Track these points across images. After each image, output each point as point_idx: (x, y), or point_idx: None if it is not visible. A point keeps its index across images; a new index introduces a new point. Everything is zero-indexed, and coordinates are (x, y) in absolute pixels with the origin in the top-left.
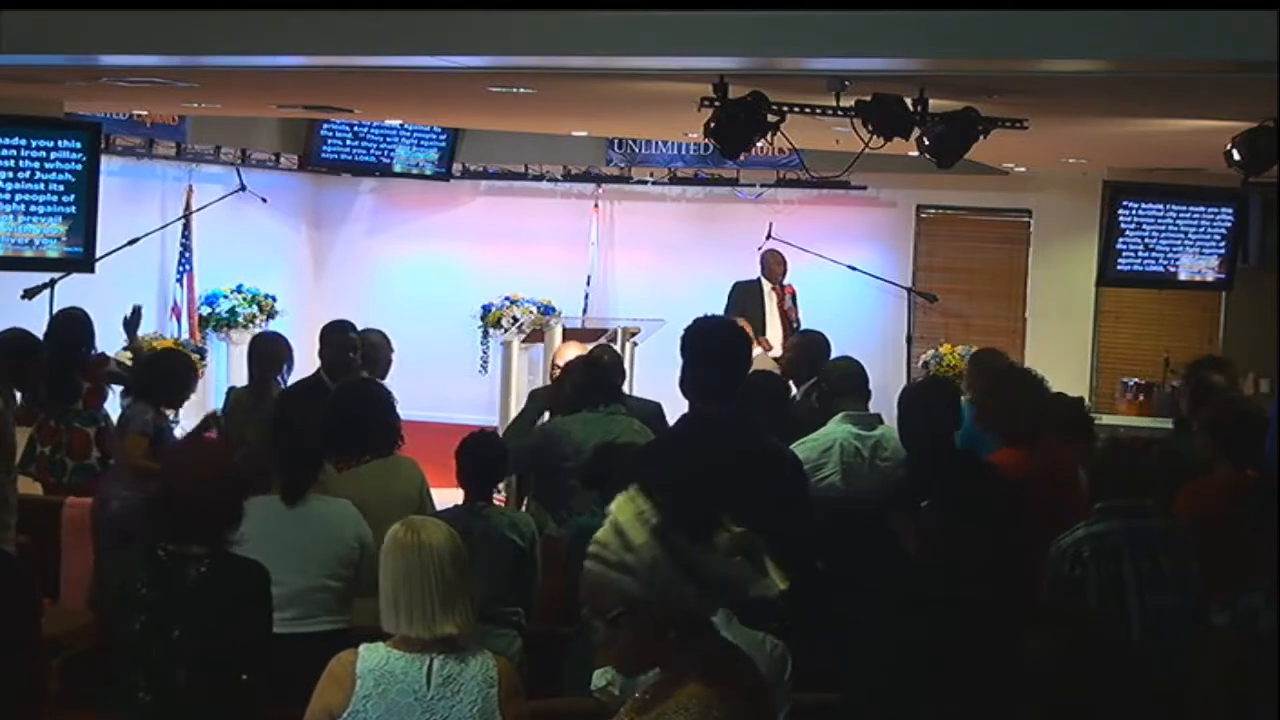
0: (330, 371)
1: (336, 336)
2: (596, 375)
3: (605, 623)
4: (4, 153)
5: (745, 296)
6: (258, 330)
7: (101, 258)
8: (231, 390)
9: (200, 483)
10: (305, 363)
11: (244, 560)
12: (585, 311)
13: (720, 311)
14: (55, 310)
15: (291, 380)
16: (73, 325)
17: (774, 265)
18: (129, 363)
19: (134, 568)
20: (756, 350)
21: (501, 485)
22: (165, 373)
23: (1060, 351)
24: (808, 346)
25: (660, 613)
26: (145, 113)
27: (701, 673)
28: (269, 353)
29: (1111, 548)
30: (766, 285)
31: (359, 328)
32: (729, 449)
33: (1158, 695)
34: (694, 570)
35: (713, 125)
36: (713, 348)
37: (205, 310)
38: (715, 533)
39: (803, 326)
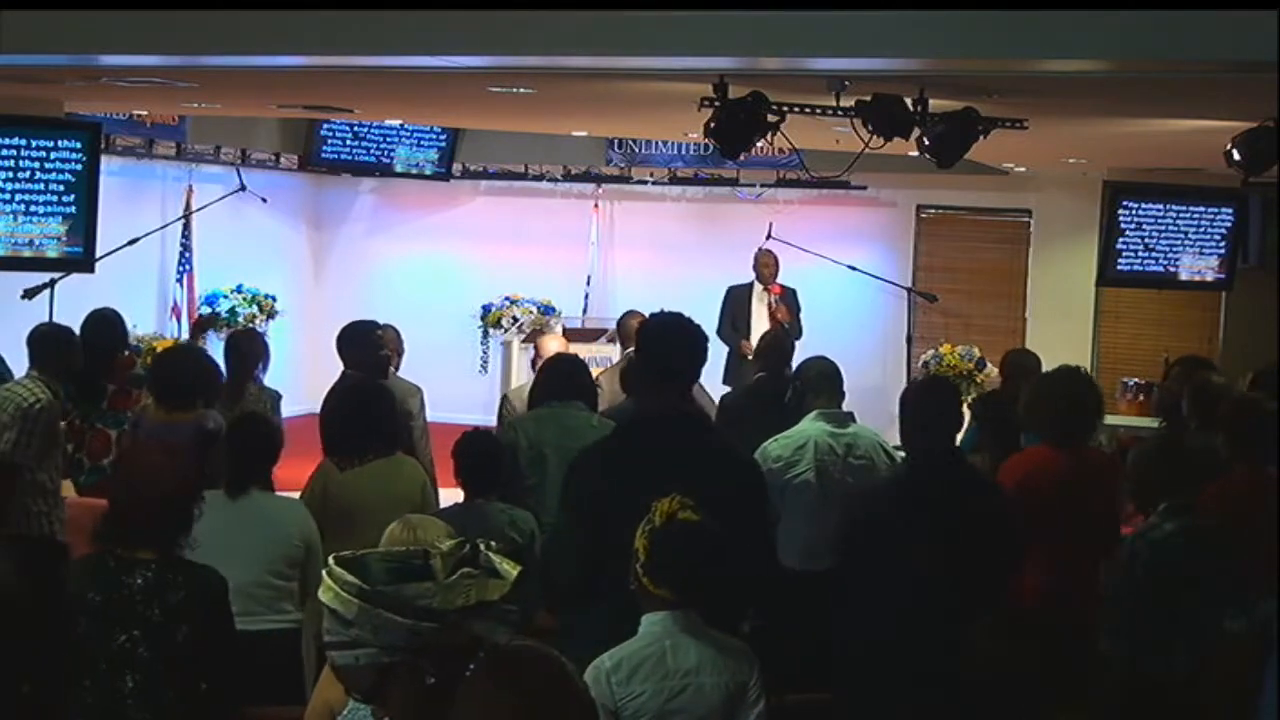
0: (359, 370)
1: (363, 336)
2: (560, 371)
3: (371, 698)
4: (4, 153)
5: (735, 300)
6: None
7: (101, 258)
8: None
9: (147, 488)
10: (306, 362)
11: (194, 565)
12: (585, 311)
13: (716, 314)
14: (69, 311)
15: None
16: (102, 326)
17: (761, 266)
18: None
19: (87, 573)
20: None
21: None
22: (181, 375)
23: (1060, 351)
24: (774, 343)
25: (415, 665)
26: (145, 113)
27: (479, 704)
28: (245, 351)
29: (1194, 544)
30: (758, 287)
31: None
32: (679, 447)
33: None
34: (416, 610)
35: (713, 125)
36: (666, 344)
37: (205, 310)
38: (428, 560)
39: (799, 324)
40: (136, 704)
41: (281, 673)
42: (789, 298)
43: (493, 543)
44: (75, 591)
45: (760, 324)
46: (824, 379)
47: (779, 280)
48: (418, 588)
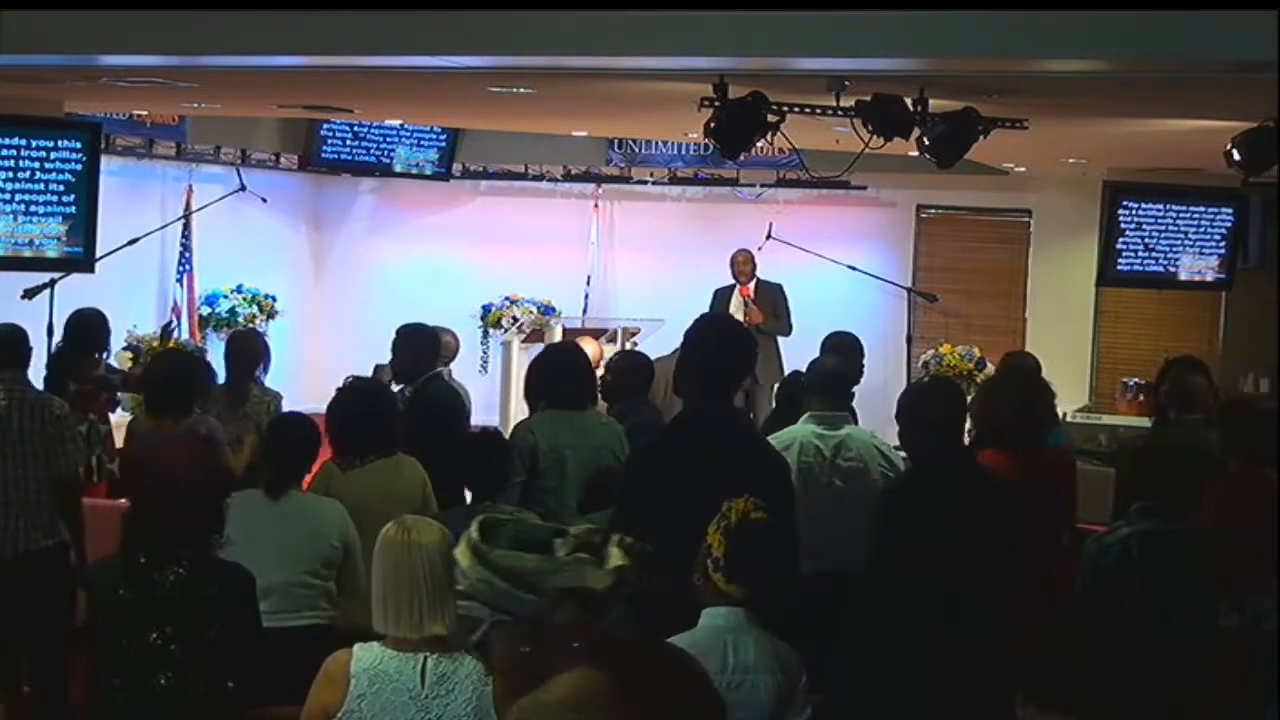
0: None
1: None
2: (564, 367)
3: (478, 650)
4: (4, 153)
5: (717, 303)
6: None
7: (101, 258)
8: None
9: (178, 487)
10: (306, 363)
11: (225, 563)
12: (585, 311)
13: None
14: (69, 311)
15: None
16: (83, 326)
17: (733, 265)
18: (129, 363)
19: (115, 571)
20: None
21: None
22: (170, 382)
23: (1060, 351)
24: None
25: (517, 630)
26: (145, 113)
27: (569, 686)
28: (245, 351)
29: (1158, 548)
30: (738, 287)
31: (360, 326)
32: (724, 446)
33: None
34: (517, 579)
35: (713, 125)
36: (714, 346)
37: (205, 310)
38: (560, 537)
39: (784, 322)
40: (168, 702)
41: (313, 669)
42: (766, 295)
43: (627, 539)
44: (105, 589)
45: None
46: (825, 380)
47: (760, 277)
48: (524, 557)
